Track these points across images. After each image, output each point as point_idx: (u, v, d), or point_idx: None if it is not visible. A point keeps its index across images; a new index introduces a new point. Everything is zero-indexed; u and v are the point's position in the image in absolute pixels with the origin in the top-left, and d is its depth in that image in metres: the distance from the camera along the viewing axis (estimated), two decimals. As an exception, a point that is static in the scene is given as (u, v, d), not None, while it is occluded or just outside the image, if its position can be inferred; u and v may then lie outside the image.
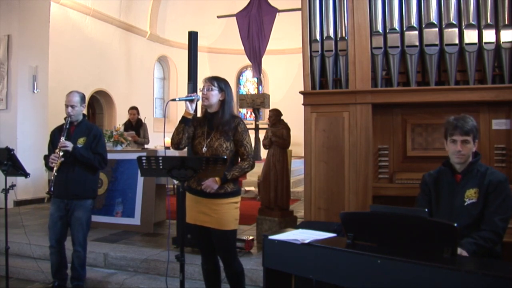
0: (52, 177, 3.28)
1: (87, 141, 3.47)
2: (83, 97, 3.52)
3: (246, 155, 2.79)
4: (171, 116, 13.98)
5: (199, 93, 2.83)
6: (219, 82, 2.80)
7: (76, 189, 3.42)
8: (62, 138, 3.33)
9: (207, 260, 2.91)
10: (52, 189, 3.28)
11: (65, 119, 3.50)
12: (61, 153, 3.30)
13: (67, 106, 3.42)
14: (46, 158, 3.49)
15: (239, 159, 2.85)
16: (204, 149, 2.75)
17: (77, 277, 3.59)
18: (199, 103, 2.89)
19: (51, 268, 3.58)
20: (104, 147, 3.62)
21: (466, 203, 2.36)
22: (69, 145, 3.33)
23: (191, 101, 2.75)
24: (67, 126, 3.40)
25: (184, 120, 2.77)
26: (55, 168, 3.29)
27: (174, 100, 2.83)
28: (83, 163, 3.43)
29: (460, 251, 2.07)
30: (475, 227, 2.30)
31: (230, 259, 2.83)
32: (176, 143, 2.80)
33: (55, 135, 3.53)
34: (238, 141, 2.78)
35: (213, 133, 2.77)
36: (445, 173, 2.50)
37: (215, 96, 2.77)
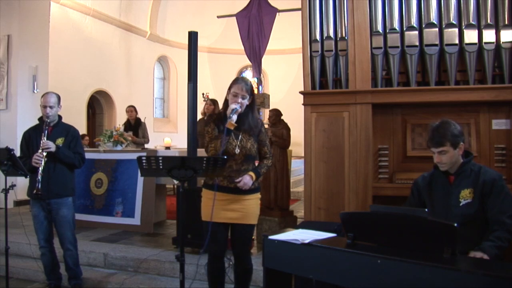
0: (39, 177, 3.29)
1: (65, 141, 3.52)
2: (59, 97, 3.57)
3: (268, 153, 2.96)
4: (171, 116, 13.99)
5: (231, 97, 2.81)
6: (250, 88, 2.85)
7: (57, 188, 3.45)
8: (44, 139, 3.36)
9: (217, 260, 2.91)
10: (39, 186, 3.28)
11: (39, 119, 3.55)
12: (45, 153, 3.32)
13: (45, 107, 3.45)
14: (21, 159, 3.47)
15: (259, 158, 2.95)
16: (237, 150, 2.79)
17: (74, 276, 3.61)
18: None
19: (45, 269, 3.60)
20: (82, 147, 3.69)
21: (461, 204, 2.36)
22: (52, 146, 3.35)
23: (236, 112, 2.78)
24: (46, 127, 3.42)
25: (229, 131, 2.76)
26: (40, 168, 3.30)
27: (230, 117, 2.73)
28: (64, 162, 3.47)
29: (480, 255, 2.07)
30: (470, 226, 2.31)
31: (246, 253, 2.90)
32: (219, 153, 2.78)
33: (30, 136, 3.55)
34: (262, 141, 2.91)
35: (242, 134, 2.81)
36: (438, 175, 2.51)
37: (246, 102, 2.83)
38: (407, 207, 2.62)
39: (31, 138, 3.53)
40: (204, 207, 2.89)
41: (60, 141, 3.49)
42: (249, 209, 2.84)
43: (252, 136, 2.84)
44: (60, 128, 3.56)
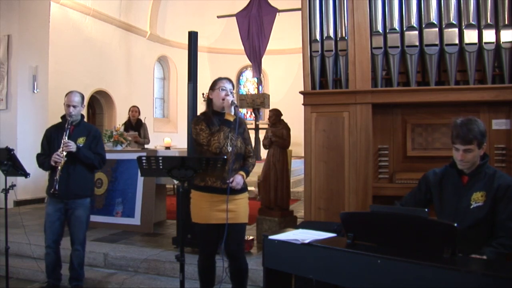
0: (57, 177, 3.27)
1: (86, 141, 3.49)
2: (83, 97, 3.55)
3: (252, 152, 3.01)
4: (171, 116, 13.99)
5: (217, 93, 2.87)
6: (232, 83, 2.94)
7: (77, 188, 3.44)
8: (65, 138, 3.33)
9: (208, 258, 2.95)
10: (57, 186, 3.27)
11: (62, 118, 3.51)
12: (65, 153, 3.30)
13: (68, 106, 3.42)
14: (40, 157, 3.49)
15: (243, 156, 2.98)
16: (230, 148, 2.80)
17: (76, 277, 3.59)
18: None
19: (46, 268, 3.59)
20: (103, 148, 3.67)
21: (472, 206, 2.31)
22: (73, 146, 3.33)
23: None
24: (68, 126, 3.39)
25: (228, 123, 2.79)
26: (59, 168, 3.28)
27: (236, 106, 2.82)
28: (84, 163, 3.45)
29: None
30: (478, 229, 2.28)
31: (240, 253, 2.90)
32: (222, 146, 2.78)
33: (52, 134, 3.53)
34: (246, 140, 2.96)
35: (230, 133, 2.82)
36: (451, 174, 2.44)
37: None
38: (408, 198, 2.58)
39: (52, 137, 3.50)
40: (194, 209, 2.88)
41: (81, 140, 3.47)
42: (240, 208, 2.87)
43: (240, 134, 2.88)
44: (81, 128, 3.53)
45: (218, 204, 2.80)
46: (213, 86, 2.90)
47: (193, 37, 4.36)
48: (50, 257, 3.54)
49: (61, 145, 3.31)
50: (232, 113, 2.80)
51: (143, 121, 7.32)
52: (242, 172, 2.86)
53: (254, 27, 10.89)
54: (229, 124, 2.79)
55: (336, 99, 3.75)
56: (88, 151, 3.47)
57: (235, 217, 2.84)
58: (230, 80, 2.92)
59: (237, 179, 2.80)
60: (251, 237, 4.29)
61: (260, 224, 4.50)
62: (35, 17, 7.56)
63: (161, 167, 2.52)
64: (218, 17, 12.09)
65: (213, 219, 2.82)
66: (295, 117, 6.37)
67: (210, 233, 2.86)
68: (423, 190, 2.54)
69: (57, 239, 3.53)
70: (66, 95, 3.49)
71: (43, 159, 3.45)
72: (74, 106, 3.43)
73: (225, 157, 2.62)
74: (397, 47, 3.57)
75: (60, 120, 3.57)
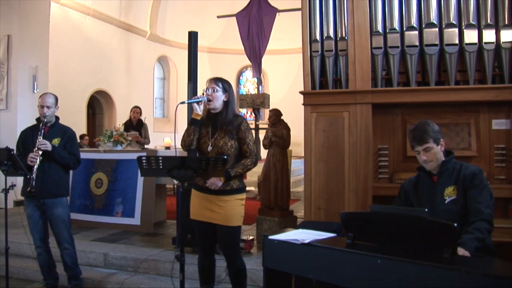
0: (34, 176, 3.30)
1: (61, 142, 3.53)
2: (57, 98, 3.59)
3: (249, 152, 2.86)
4: (171, 116, 14.00)
5: (201, 94, 2.88)
6: (223, 83, 2.86)
7: (51, 187, 3.45)
8: (40, 138, 3.37)
9: (206, 256, 2.97)
10: (33, 183, 3.28)
11: (37, 120, 3.56)
12: (40, 152, 3.33)
13: (42, 107, 3.47)
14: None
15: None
16: (210, 148, 2.81)
17: (74, 276, 3.61)
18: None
19: (41, 269, 3.61)
20: (78, 149, 3.70)
21: (446, 201, 2.42)
22: (48, 145, 3.36)
23: (198, 102, 2.81)
24: (43, 127, 3.43)
25: (193, 121, 2.82)
26: (35, 167, 3.31)
27: (183, 103, 2.85)
28: (59, 163, 3.48)
29: (462, 251, 2.06)
30: (458, 223, 2.31)
31: (233, 256, 2.88)
32: (188, 145, 2.84)
33: (27, 135, 3.57)
34: (241, 139, 2.85)
35: (217, 133, 2.83)
36: (422, 178, 2.57)
37: (220, 97, 2.83)
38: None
39: (27, 137, 3.54)
40: (190, 206, 2.94)
41: (56, 141, 3.50)
42: (228, 210, 2.80)
43: (228, 134, 2.81)
44: (56, 129, 3.57)
45: (205, 202, 2.83)
46: None
47: (193, 37, 4.36)
48: (42, 257, 3.57)
49: (36, 145, 3.34)
50: (198, 112, 2.80)
51: (144, 121, 7.32)
52: None
53: (254, 27, 10.90)
54: (196, 123, 2.81)
55: (336, 99, 3.75)
56: (63, 151, 3.49)
57: (222, 219, 2.80)
58: (216, 78, 2.89)
59: (212, 180, 2.74)
60: (251, 237, 4.30)
61: (260, 224, 4.50)
62: (35, 17, 7.56)
63: (161, 167, 2.52)
64: (218, 17, 12.10)
65: (200, 216, 2.85)
66: (295, 117, 6.38)
67: (202, 230, 2.89)
68: (403, 199, 2.65)
69: (44, 237, 3.56)
70: (40, 96, 3.55)
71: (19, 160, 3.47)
72: (47, 107, 3.47)
73: (225, 157, 2.62)
74: (397, 47, 3.57)
75: (35, 122, 3.60)
